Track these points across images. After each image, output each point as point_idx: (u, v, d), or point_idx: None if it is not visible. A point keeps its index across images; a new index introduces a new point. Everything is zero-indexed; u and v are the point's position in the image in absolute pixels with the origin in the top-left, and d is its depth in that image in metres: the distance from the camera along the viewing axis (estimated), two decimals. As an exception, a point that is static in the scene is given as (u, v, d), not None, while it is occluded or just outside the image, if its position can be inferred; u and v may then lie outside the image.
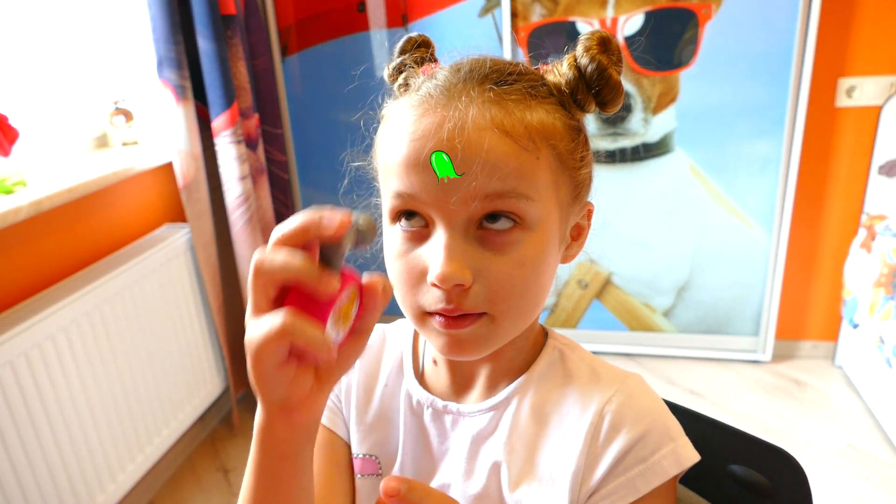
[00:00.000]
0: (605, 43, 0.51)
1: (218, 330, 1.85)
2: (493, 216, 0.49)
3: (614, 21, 1.90)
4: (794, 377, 2.07)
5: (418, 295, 0.51)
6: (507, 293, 0.50)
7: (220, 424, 2.02)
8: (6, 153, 1.40)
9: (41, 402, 1.30)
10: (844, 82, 1.86)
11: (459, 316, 0.50)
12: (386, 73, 0.59)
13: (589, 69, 0.51)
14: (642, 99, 1.96)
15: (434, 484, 0.59)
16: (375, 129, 0.57)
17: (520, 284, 0.50)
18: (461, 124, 0.47)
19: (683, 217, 2.06)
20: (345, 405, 0.65)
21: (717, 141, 1.97)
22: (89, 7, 1.72)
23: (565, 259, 0.57)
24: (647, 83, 1.94)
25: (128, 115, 1.75)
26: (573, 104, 0.52)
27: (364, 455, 0.63)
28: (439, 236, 0.49)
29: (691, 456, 0.53)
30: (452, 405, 0.59)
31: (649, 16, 1.88)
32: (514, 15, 1.97)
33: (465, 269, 0.48)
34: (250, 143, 1.82)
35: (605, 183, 2.07)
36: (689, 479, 0.66)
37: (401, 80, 0.56)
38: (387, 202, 0.52)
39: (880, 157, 1.87)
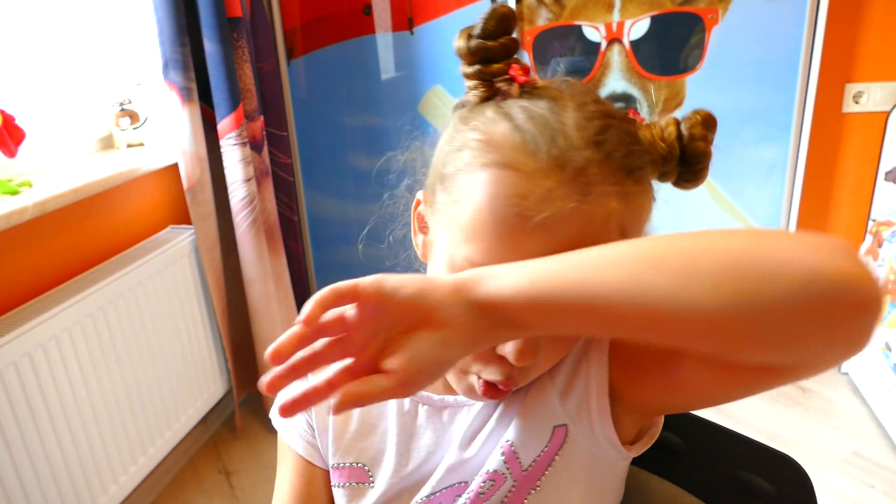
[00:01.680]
0: (709, 124, 0.50)
1: (221, 332, 1.84)
2: None
3: (620, 25, 1.90)
4: (799, 384, 2.06)
5: (474, 359, 0.50)
6: (549, 364, 0.53)
7: (223, 427, 2.02)
8: (12, 154, 1.41)
9: (44, 402, 1.30)
10: (852, 88, 1.86)
11: (501, 389, 0.51)
12: (460, 49, 0.50)
13: (693, 149, 0.49)
14: (648, 104, 1.96)
15: (441, 480, 0.57)
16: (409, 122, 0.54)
17: (560, 355, 0.53)
18: (580, 214, 0.44)
19: (688, 222, 2.05)
20: (319, 422, 0.63)
21: (723, 146, 1.95)
22: (96, 9, 1.73)
23: None
24: (652, 88, 1.94)
25: (133, 117, 1.75)
26: (660, 174, 0.50)
27: (351, 464, 0.62)
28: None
29: None
30: (449, 398, 0.59)
31: (655, 20, 1.88)
32: (519, 19, 1.97)
33: (535, 348, 0.48)
34: (255, 146, 1.82)
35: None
36: (696, 485, 0.65)
37: (479, 74, 0.50)
38: (457, 256, 0.48)
39: (887, 163, 1.86)
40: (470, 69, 0.50)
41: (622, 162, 0.46)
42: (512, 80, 0.49)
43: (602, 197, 0.44)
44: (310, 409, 0.64)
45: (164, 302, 1.64)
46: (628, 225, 0.46)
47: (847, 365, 2.06)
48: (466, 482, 0.57)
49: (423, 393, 0.60)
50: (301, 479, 0.64)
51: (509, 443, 0.56)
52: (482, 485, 0.55)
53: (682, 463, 0.61)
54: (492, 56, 0.49)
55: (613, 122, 0.47)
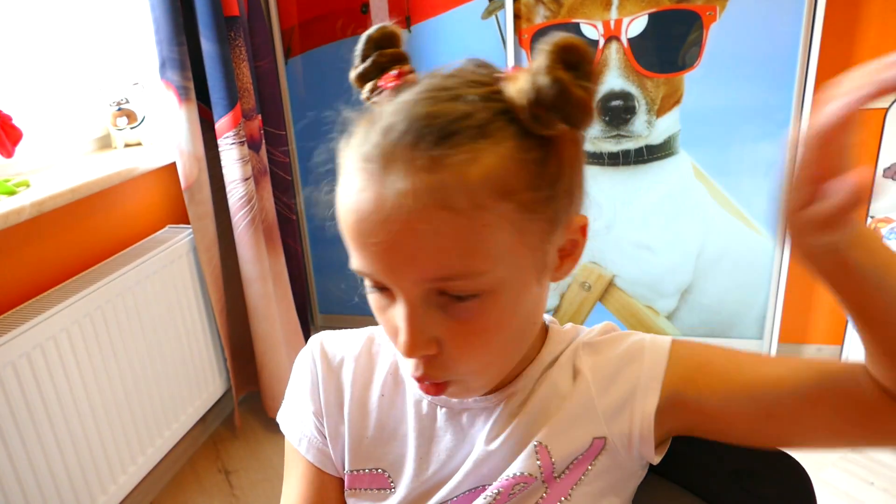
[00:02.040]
0: (567, 53, 0.42)
1: (220, 331, 1.84)
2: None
3: (618, 23, 1.90)
4: (798, 381, 2.06)
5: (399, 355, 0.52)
6: (473, 360, 0.49)
7: (222, 426, 2.02)
8: (9, 154, 1.40)
9: (43, 402, 1.30)
10: (849, 85, 1.85)
11: (438, 385, 0.50)
12: (352, 79, 0.53)
13: (547, 90, 0.42)
14: (646, 101, 1.95)
15: (462, 482, 0.57)
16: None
17: (485, 349, 0.49)
18: (396, 205, 0.42)
19: (687, 220, 2.05)
20: (330, 429, 0.63)
21: (722, 143, 1.96)
22: (92, 8, 1.73)
23: (556, 278, 0.53)
24: (650, 85, 1.94)
25: (131, 116, 1.75)
26: (537, 125, 0.44)
27: (371, 470, 0.61)
28: (401, 306, 0.46)
29: (663, 337, 0.56)
30: (468, 400, 0.58)
31: (653, 17, 1.88)
32: (517, 17, 1.97)
33: (428, 341, 0.47)
34: (253, 145, 1.82)
35: (609, 185, 2.07)
36: (694, 483, 0.65)
37: (366, 91, 0.52)
38: (351, 255, 0.49)
39: (886, 159, 1.86)
40: (363, 95, 0.52)
41: (429, 140, 0.43)
42: (381, 90, 0.50)
43: (403, 180, 0.42)
44: (322, 416, 0.63)
45: (162, 301, 1.64)
46: (448, 197, 0.42)
47: (846, 359, 2.07)
48: (486, 486, 0.56)
49: (440, 397, 0.58)
50: (311, 487, 0.63)
51: (544, 445, 0.55)
52: (514, 487, 0.54)
53: (682, 461, 0.61)
54: (367, 75, 0.51)
55: (452, 109, 0.44)
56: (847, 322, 2.00)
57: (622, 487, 0.58)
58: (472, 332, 0.47)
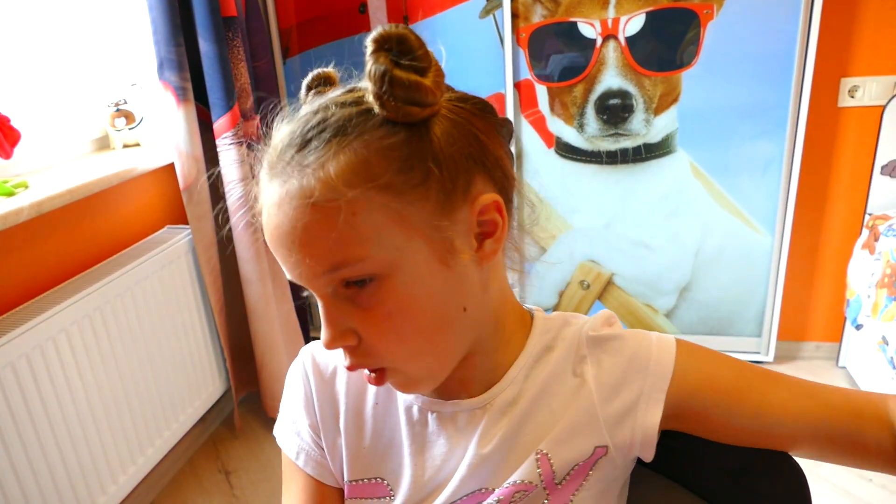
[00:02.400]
0: (384, 42, 0.45)
1: (219, 332, 1.84)
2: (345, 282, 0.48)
3: (615, 21, 1.90)
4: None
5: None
6: (388, 345, 0.50)
7: (222, 426, 2.02)
8: (8, 155, 1.40)
9: (42, 403, 1.30)
10: (847, 82, 1.86)
11: (371, 375, 0.52)
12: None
13: (377, 79, 0.45)
14: (644, 100, 1.96)
15: (460, 486, 0.57)
16: None
17: (396, 334, 0.49)
18: (277, 210, 0.47)
19: (685, 218, 2.06)
20: (327, 441, 0.63)
21: (719, 141, 1.96)
22: (90, 9, 1.73)
23: (484, 259, 0.52)
24: (648, 84, 1.94)
25: (129, 117, 1.75)
26: (384, 109, 0.47)
27: (370, 479, 0.61)
28: (319, 303, 0.50)
29: (668, 340, 0.56)
30: (459, 402, 0.58)
31: (651, 16, 1.88)
32: (514, 16, 1.97)
33: (344, 332, 0.50)
34: (251, 145, 1.82)
35: (607, 184, 2.07)
36: (689, 480, 0.66)
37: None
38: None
39: (883, 157, 1.86)
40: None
41: (295, 144, 0.48)
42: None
43: (282, 186, 0.47)
44: (318, 428, 0.63)
45: (161, 302, 1.64)
46: (310, 193, 0.45)
47: (845, 359, 2.07)
48: (487, 488, 0.56)
49: (432, 400, 0.59)
50: (311, 499, 0.63)
51: (546, 454, 0.55)
52: (514, 494, 0.54)
53: (678, 459, 0.61)
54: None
55: (316, 115, 0.49)
56: (845, 320, 2.01)
57: (616, 485, 0.59)
58: (379, 317, 0.49)
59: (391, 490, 0.60)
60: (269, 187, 0.48)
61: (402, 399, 0.60)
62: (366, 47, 0.46)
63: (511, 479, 0.55)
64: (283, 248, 0.48)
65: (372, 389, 0.62)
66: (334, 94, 0.51)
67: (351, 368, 0.52)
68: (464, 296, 0.52)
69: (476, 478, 0.57)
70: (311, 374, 0.64)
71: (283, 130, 0.50)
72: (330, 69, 0.57)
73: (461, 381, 0.58)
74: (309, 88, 0.55)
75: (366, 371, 0.53)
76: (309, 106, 0.51)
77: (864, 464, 0.53)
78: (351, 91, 0.51)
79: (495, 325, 0.57)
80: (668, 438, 0.57)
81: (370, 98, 0.47)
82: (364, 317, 0.49)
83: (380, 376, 0.52)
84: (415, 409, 0.59)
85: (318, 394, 0.63)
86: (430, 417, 0.59)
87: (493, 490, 0.56)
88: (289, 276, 0.50)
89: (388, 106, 0.46)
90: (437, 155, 0.48)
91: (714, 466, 0.61)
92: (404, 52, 0.46)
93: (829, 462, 0.55)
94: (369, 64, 0.45)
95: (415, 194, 0.47)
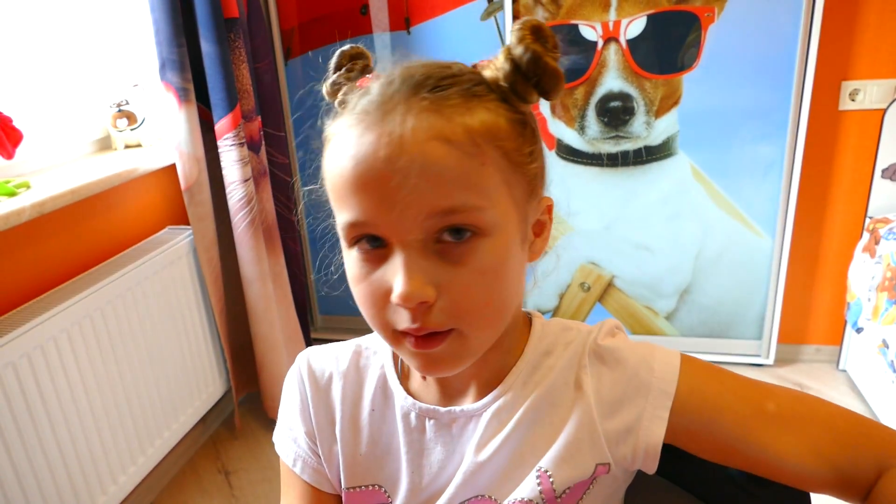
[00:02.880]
0: (537, 31, 0.48)
1: (220, 332, 1.85)
2: (450, 229, 0.47)
3: (616, 24, 1.90)
4: (797, 381, 2.06)
5: (387, 314, 0.50)
6: (472, 304, 0.49)
7: (222, 426, 2.02)
8: (10, 156, 1.41)
9: (43, 403, 1.30)
10: (848, 85, 1.86)
11: (429, 335, 0.49)
12: (324, 90, 0.57)
13: (525, 59, 0.47)
14: (645, 102, 1.96)
15: (457, 493, 0.56)
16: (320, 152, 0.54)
17: (483, 294, 0.49)
18: (400, 140, 0.45)
19: (686, 220, 2.06)
20: (324, 448, 0.63)
21: (720, 144, 1.96)
22: (92, 9, 1.73)
23: (531, 257, 0.55)
24: (649, 86, 1.94)
25: (131, 118, 1.75)
26: (514, 97, 0.49)
27: (368, 486, 0.61)
28: (398, 256, 0.47)
29: (672, 357, 0.55)
30: (456, 409, 0.57)
31: (652, 19, 1.88)
32: (516, 18, 1.97)
33: (426, 285, 0.47)
34: (253, 146, 1.82)
35: (608, 186, 2.07)
36: (689, 483, 0.66)
37: (340, 97, 0.54)
38: (341, 228, 0.50)
39: (884, 160, 1.86)
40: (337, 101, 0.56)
41: (427, 86, 0.47)
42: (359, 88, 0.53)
43: (404, 120, 0.46)
44: (314, 436, 0.63)
45: (162, 302, 1.65)
46: (450, 133, 0.46)
47: (845, 362, 2.07)
48: (485, 495, 0.56)
49: (429, 406, 0.58)
50: None
51: (546, 472, 0.54)
52: None
53: (678, 462, 0.61)
54: (339, 84, 0.56)
55: (444, 70, 0.49)
56: (846, 323, 2.01)
57: (616, 496, 0.59)
58: (472, 272, 0.48)
59: (389, 497, 0.60)
60: (380, 123, 0.46)
61: (400, 406, 0.60)
62: (511, 32, 0.49)
63: (512, 497, 0.55)
64: (388, 182, 0.45)
65: (367, 395, 0.62)
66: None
67: (418, 331, 0.48)
68: (523, 281, 0.54)
69: (473, 485, 0.56)
70: (306, 381, 0.63)
71: (398, 71, 0.49)
72: (358, 47, 0.57)
73: (460, 387, 0.59)
74: (339, 66, 0.57)
75: (412, 338, 0.50)
76: (417, 63, 0.51)
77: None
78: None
79: (514, 320, 0.57)
80: (671, 445, 0.57)
81: (501, 76, 0.49)
82: (454, 271, 0.47)
83: (439, 339, 0.49)
84: (412, 415, 0.59)
85: (314, 401, 0.63)
86: (428, 424, 0.58)
87: (492, 498, 0.56)
88: (363, 218, 0.47)
89: (523, 91, 0.48)
90: (536, 145, 0.52)
91: (715, 470, 0.61)
92: (548, 42, 0.49)
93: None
94: (517, 47, 0.48)
95: (520, 172, 0.50)
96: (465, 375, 0.58)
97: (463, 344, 0.50)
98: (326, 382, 0.63)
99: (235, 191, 1.77)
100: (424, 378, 0.60)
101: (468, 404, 0.57)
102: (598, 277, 2.19)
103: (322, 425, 0.63)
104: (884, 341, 1.68)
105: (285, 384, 0.66)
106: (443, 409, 0.58)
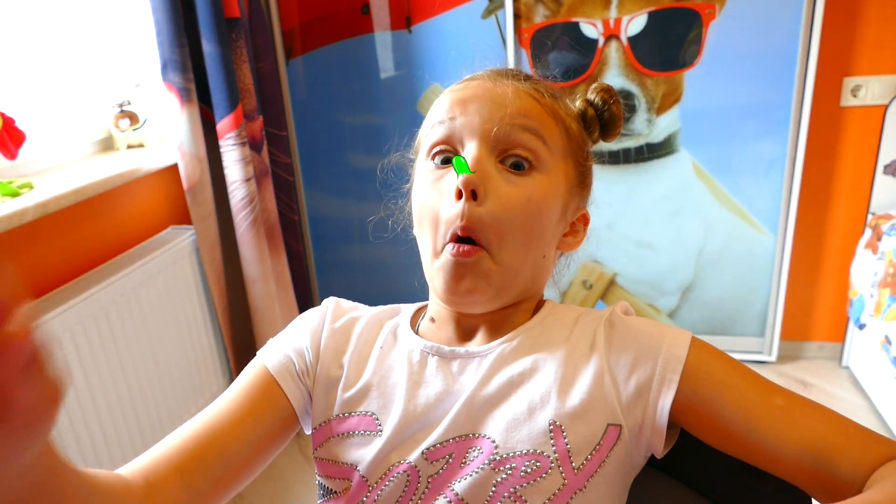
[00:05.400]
0: (609, 91, 0.67)
1: (223, 332, 1.85)
2: (514, 163, 0.58)
3: (617, 21, 1.90)
4: (800, 378, 2.06)
5: (439, 223, 0.58)
6: (509, 220, 0.57)
7: (226, 426, 2.02)
8: (13, 156, 1.41)
9: (47, 403, 1.30)
10: (850, 81, 1.86)
11: (466, 243, 0.56)
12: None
13: (597, 103, 0.67)
14: (646, 99, 1.96)
15: (450, 428, 0.56)
16: (382, 131, 0.63)
17: (520, 217, 0.57)
18: (502, 88, 0.60)
19: (688, 218, 2.06)
20: (322, 370, 0.63)
21: (722, 141, 1.96)
22: (94, 10, 1.73)
23: (561, 245, 0.65)
24: (650, 84, 1.94)
25: (133, 118, 1.75)
26: (585, 130, 0.66)
27: (360, 413, 0.61)
28: (469, 149, 0.58)
29: (684, 333, 0.58)
30: (460, 349, 0.60)
31: (653, 16, 1.88)
32: (517, 16, 1.97)
33: (482, 174, 0.57)
34: (255, 146, 1.83)
35: (610, 184, 2.07)
36: (692, 479, 0.66)
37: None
38: (427, 142, 0.62)
39: (886, 156, 1.86)
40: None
41: (530, 80, 0.64)
42: None
43: (507, 83, 0.61)
44: (317, 352, 0.64)
45: (165, 302, 1.65)
46: (539, 97, 0.61)
47: (848, 358, 2.07)
48: (478, 434, 0.55)
49: (433, 344, 0.61)
50: (258, 386, 0.62)
51: (559, 426, 0.54)
52: (526, 464, 0.53)
53: (682, 458, 0.61)
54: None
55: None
56: (848, 319, 2.00)
57: (627, 478, 0.58)
58: (520, 195, 0.57)
59: (379, 425, 0.59)
60: (497, 80, 0.62)
61: (406, 344, 0.63)
62: (590, 90, 0.69)
63: (520, 447, 0.54)
64: (479, 98, 0.60)
65: (382, 336, 0.65)
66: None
67: (465, 228, 0.56)
68: (551, 247, 0.63)
69: (470, 422, 0.56)
70: (329, 314, 0.67)
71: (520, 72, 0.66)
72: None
73: (470, 331, 0.62)
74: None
75: (452, 245, 0.57)
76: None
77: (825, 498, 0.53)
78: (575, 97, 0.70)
79: (529, 295, 0.63)
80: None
81: (580, 111, 0.67)
82: (506, 188, 0.57)
83: (473, 251, 0.57)
84: (416, 352, 0.62)
85: (329, 329, 0.66)
86: (431, 359, 0.61)
87: (493, 442, 0.55)
88: (452, 117, 0.60)
89: (591, 129, 0.67)
90: (590, 157, 0.67)
91: (716, 465, 0.61)
92: (614, 97, 0.68)
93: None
94: (593, 94, 0.68)
95: (576, 158, 0.63)
96: (476, 324, 0.62)
97: (490, 267, 0.57)
98: (348, 321, 0.67)
99: (237, 190, 1.78)
100: (433, 321, 0.65)
101: (474, 346, 0.60)
102: (600, 275, 2.19)
103: (329, 350, 0.64)
104: (886, 338, 1.68)
105: (299, 317, 0.68)
106: (447, 348, 0.60)
